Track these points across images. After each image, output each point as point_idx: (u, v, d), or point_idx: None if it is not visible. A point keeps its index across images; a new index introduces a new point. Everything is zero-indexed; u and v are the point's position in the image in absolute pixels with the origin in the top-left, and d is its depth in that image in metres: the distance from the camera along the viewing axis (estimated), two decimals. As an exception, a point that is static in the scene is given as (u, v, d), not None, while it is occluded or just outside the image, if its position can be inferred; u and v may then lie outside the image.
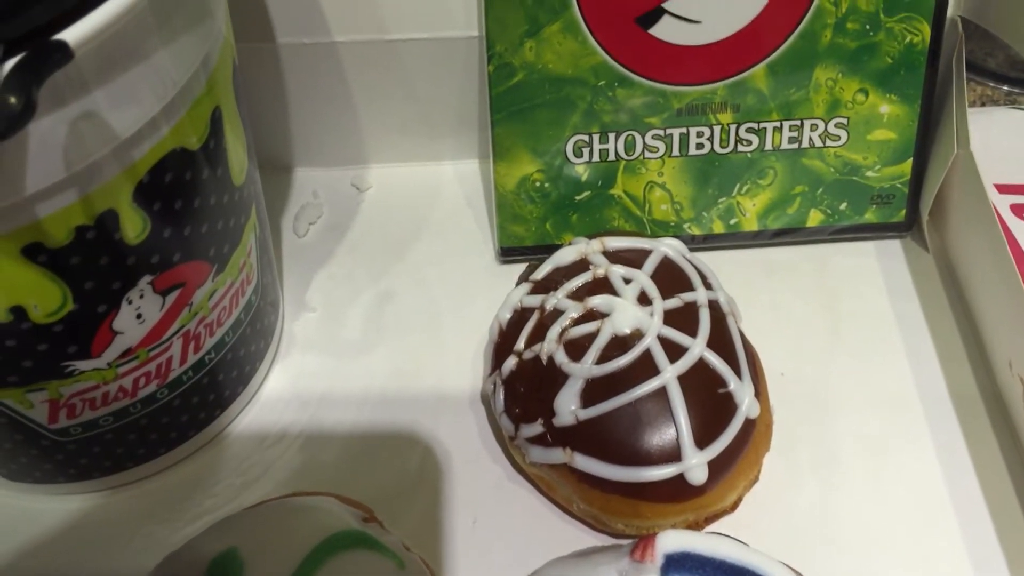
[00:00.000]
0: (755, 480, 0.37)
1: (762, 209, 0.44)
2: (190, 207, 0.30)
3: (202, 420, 0.38)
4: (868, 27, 0.40)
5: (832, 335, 0.42)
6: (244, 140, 0.34)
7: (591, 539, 0.37)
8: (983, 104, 0.50)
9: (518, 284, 0.39)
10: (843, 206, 0.44)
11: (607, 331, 0.35)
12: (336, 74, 0.44)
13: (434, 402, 0.41)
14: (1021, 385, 0.36)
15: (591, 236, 0.39)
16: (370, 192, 0.48)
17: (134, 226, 0.28)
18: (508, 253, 0.44)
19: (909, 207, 0.44)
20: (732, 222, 0.44)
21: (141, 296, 0.30)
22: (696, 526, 0.36)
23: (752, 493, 0.37)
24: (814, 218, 0.44)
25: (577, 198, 0.43)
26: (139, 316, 0.31)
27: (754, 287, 0.44)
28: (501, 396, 0.37)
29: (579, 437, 0.34)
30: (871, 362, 0.41)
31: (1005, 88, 0.50)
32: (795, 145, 0.42)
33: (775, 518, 0.37)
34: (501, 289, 0.44)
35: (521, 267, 0.44)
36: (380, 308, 0.44)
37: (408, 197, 0.48)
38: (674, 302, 0.36)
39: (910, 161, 0.43)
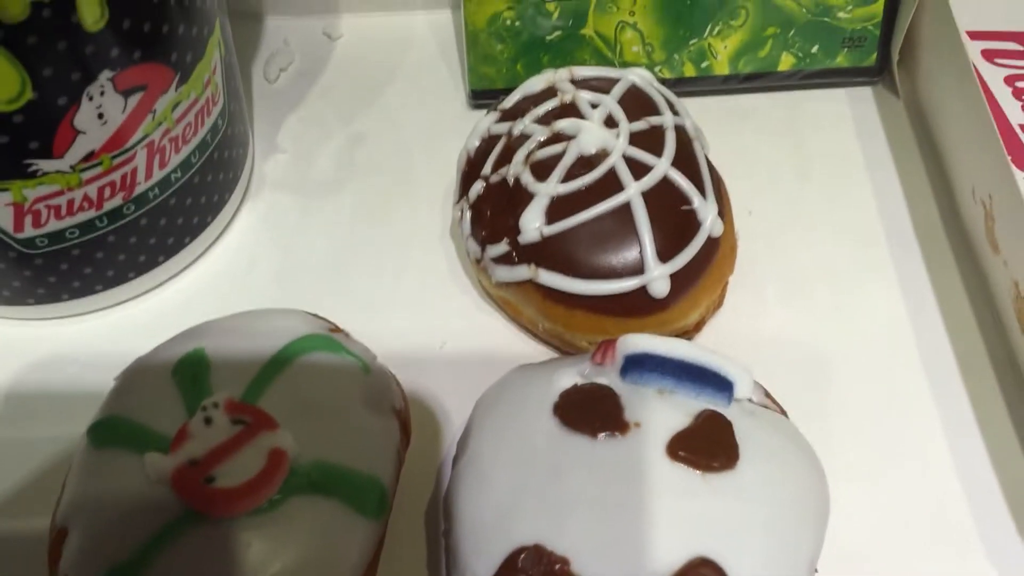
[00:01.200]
0: (719, 304, 0.38)
1: (734, 52, 0.44)
2: (148, 0, 0.30)
3: (171, 246, 0.38)
4: None
5: (801, 176, 0.43)
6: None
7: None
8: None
9: (486, 115, 0.39)
10: (815, 49, 0.44)
11: (573, 152, 0.35)
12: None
13: (404, 238, 0.41)
14: (983, 208, 0.37)
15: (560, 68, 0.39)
16: (342, 40, 0.48)
17: (92, 11, 0.28)
18: (479, 96, 0.44)
19: (880, 51, 0.44)
20: (703, 65, 0.44)
21: (102, 93, 0.30)
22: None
23: (716, 319, 0.38)
24: (785, 62, 0.44)
25: (548, 38, 0.43)
26: (101, 115, 0.31)
27: (724, 132, 0.43)
28: (468, 220, 0.37)
29: (544, 253, 0.35)
30: (838, 200, 0.42)
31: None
32: (769, -15, 0.42)
33: (739, 343, 0.37)
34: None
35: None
36: (351, 150, 0.44)
37: (380, 45, 0.48)
38: (640, 124, 0.36)
39: (882, 1, 0.43)
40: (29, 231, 0.33)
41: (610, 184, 0.35)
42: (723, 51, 0.44)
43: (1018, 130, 0.37)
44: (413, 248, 0.41)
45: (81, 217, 0.34)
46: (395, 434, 0.32)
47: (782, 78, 0.44)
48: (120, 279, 0.37)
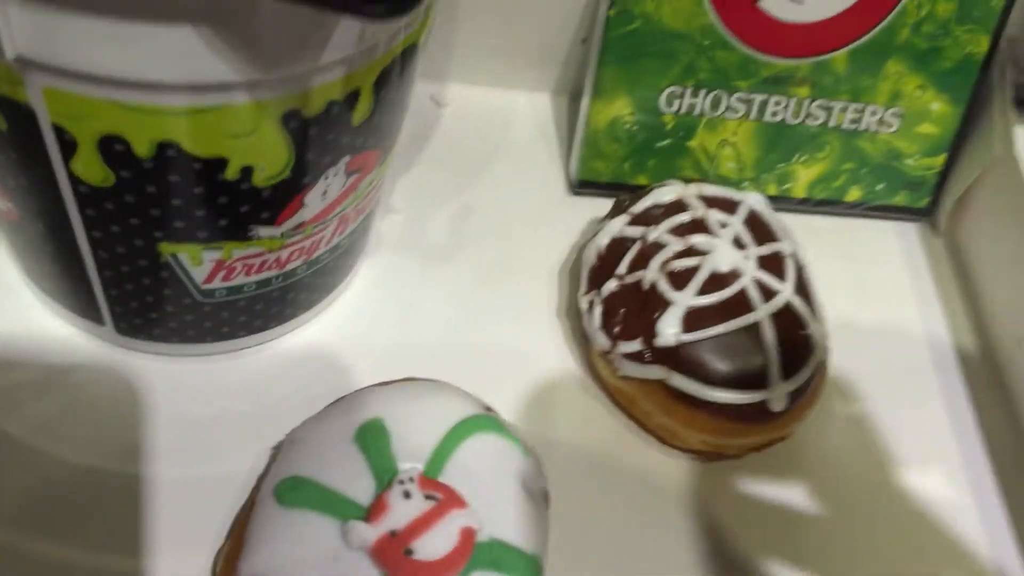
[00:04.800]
0: (805, 413, 0.42)
1: (813, 179, 0.49)
2: (402, 97, 0.32)
3: (312, 301, 0.40)
4: (939, 32, 0.45)
5: (857, 300, 0.48)
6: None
7: (657, 451, 0.41)
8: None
9: (612, 215, 0.43)
10: (880, 186, 0.49)
11: (707, 267, 0.39)
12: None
13: (513, 314, 0.44)
14: (1032, 358, 0.43)
15: (686, 181, 0.43)
16: (448, 109, 0.50)
17: (364, 109, 0.30)
18: (583, 186, 0.48)
19: (934, 195, 0.50)
20: (784, 187, 0.49)
21: (336, 174, 0.32)
22: (758, 448, 0.40)
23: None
24: (853, 193, 0.49)
25: (658, 144, 0.47)
26: (325, 193, 0.33)
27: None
28: (598, 314, 0.40)
29: (678, 357, 0.38)
30: (888, 326, 0.47)
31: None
32: (854, 126, 0.47)
33: (813, 453, 0.42)
34: (572, 217, 0.47)
35: (591, 200, 0.48)
36: (462, 219, 0.46)
37: (484, 119, 0.50)
38: (764, 249, 0.40)
39: (944, 156, 0.48)
40: (216, 284, 0.34)
41: (741, 302, 0.39)
42: (804, 177, 0.48)
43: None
44: (522, 325, 0.43)
45: (265, 275, 0.35)
46: (546, 515, 0.35)
47: (847, 207, 0.50)
48: (261, 327, 0.39)
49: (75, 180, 0.29)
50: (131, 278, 0.34)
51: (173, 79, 0.25)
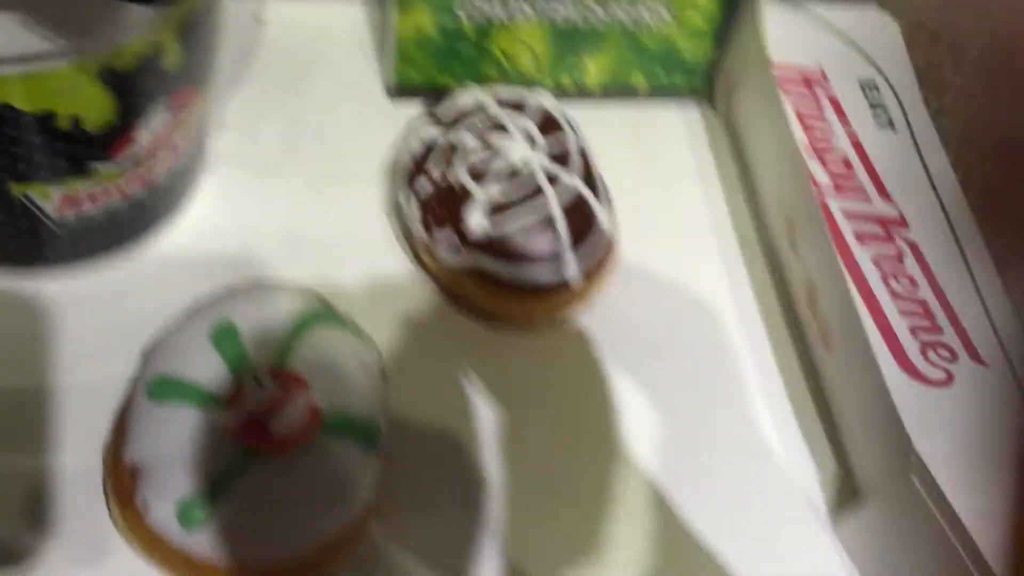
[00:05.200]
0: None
1: (601, 71, 0.55)
2: (210, 38, 0.36)
3: (160, 219, 0.44)
4: (700, -66, 0.51)
5: (646, 175, 0.55)
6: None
7: (478, 325, 0.47)
8: None
9: (421, 120, 0.48)
10: (661, 74, 0.56)
11: (504, 163, 0.45)
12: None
13: (345, 210, 0.49)
14: (784, 221, 0.51)
15: (483, 85, 0.48)
16: (267, 26, 0.54)
17: (174, 57, 0.34)
18: (400, 91, 0.53)
19: (708, 78, 0.57)
20: (577, 81, 0.55)
21: (159, 112, 0.36)
22: (563, 317, 0.48)
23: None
24: (638, 81, 0.56)
25: (461, 49, 0.52)
26: (153, 129, 0.37)
27: (588, 133, 0.55)
28: (415, 209, 0.46)
29: (485, 245, 0.45)
30: (674, 199, 0.55)
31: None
32: (633, 21, 0.53)
33: (610, 316, 0.49)
34: (392, 120, 0.52)
35: (409, 102, 0.53)
36: (290, 129, 0.51)
37: (304, 33, 0.54)
38: (553, 143, 0.47)
39: (714, 44, 0.55)
40: (67, 214, 0.39)
41: (535, 192, 0.45)
42: (593, 70, 0.55)
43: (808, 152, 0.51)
44: (354, 222, 0.49)
45: (111, 203, 0.39)
46: (383, 387, 0.42)
47: (634, 92, 0.56)
48: (117, 246, 0.43)
49: (-75, 139, 0.33)
50: (-13, 216, 0.38)
51: (3, 53, 0.29)
